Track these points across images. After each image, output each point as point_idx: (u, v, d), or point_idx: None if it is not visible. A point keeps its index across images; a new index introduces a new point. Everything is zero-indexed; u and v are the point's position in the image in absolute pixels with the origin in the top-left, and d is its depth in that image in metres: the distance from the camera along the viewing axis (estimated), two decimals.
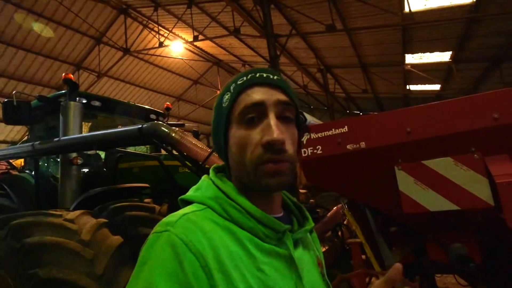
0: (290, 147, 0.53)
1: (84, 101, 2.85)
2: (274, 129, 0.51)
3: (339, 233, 2.55)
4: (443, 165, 1.56)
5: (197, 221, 0.49)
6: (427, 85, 11.96)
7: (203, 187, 0.57)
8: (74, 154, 2.59)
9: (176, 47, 10.81)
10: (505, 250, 1.69)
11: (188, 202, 0.56)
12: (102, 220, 1.85)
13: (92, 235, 1.65)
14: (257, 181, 0.52)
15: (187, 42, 10.49)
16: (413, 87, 12.44)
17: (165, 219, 0.50)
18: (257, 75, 0.55)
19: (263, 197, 0.57)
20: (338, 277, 1.70)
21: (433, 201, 1.55)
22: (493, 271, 1.79)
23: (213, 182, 0.57)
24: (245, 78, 0.55)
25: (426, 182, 1.58)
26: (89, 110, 2.99)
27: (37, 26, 8.52)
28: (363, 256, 2.02)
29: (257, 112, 0.53)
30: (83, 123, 2.82)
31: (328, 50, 10.42)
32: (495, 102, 1.47)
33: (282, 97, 0.55)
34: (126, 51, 10.29)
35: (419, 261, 1.88)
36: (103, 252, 1.62)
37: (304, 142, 1.83)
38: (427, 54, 9.38)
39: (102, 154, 3.30)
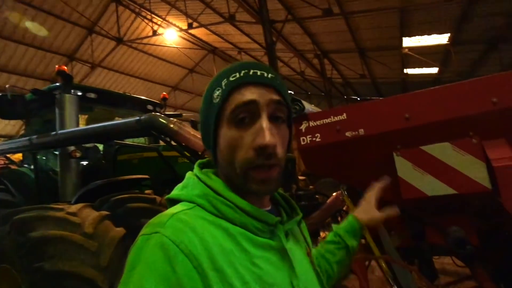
0: (280, 150, 0.53)
1: (79, 94, 2.83)
2: (267, 133, 0.50)
3: (339, 219, 2.59)
4: (441, 150, 1.57)
5: (188, 220, 0.47)
6: (424, 69, 11.87)
7: (190, 185, 0.55)
8: (72, 148, 2.58)
9: (170, 35, 10.61)
10: (501, 232, 1.73)
11: (175, 201, 0.54)
12: (104, 212, 1.87)
13: (95, 228, 1.67)
14: (246, 185, 0.52)
15: (181, 30, 10.29)
16: (410, 71, 12.36)
17: (153, 220, 0.49)
18: (251, 72, 0.53)
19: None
20: None
21: (431, 186, 1.57)
22: (489, 253, 1.83)
23: (200, 179, 0.55)
24: (237, 74, 0.52)
25: (425, 168, 1.60)
26: (85, 102, 2.96)
27: (32, 26, 8.34)
28: (362, 241, 2.06)
29: (249, 112, 0.51)
30: (79, 115, 2.80)
31: (324, 35, 10.27)
32: (494, 86, 1.47)
33: (275, 96, 0.53)
34: (119, 40, 10.09)
35: (417, 245, 1.92)
36: (107, 244, 1.64)
37: (303, 130, 1.84)
38: (425, 37, 9.27)
39: (101, 147, 3.30)
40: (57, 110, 2.61)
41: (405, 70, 12.21)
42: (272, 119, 0.53)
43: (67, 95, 2.63)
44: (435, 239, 1.74)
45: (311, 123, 1.82)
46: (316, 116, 1.82)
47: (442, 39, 9.23)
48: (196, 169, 0.58)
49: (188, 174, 0.58)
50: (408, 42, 9.64)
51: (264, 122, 0.51)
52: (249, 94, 0.51)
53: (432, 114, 1.56)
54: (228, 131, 0.52)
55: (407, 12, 8.00)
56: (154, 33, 9.86)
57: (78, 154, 2.57)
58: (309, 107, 1.98)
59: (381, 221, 0.80)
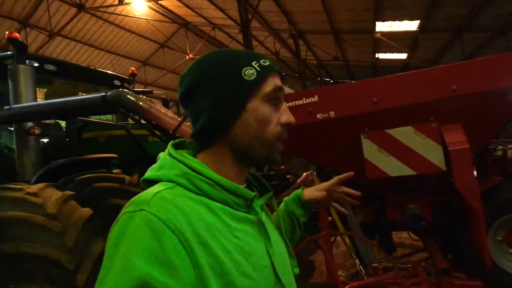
0: None
1: (36, 65, 2.59)
2: (290, 113, 0.61)
3: None
4: (404, 134, 1.67)
5: (171, 198, 0.49)
6: (395, 54, 12.26)
7: (167, 165, 0.56)
8: (30, 124, 2.40)
9: (139, 5, 9.89)
10: (452, 209, 1.91)
11: (152, 182, 0.55)
12: (69, 192, 1.78)
13: (58, 208, 1.59)
14: (270, 154, 0.60)
15: (150, 0, 9.63)
16: (381, 56, 12.71)
17: (136, 198, 0.50)
18: (272, 64, 0.61)
19: (242, 170, 0.62)
20: (307, 239, 1.84)
21: (394, 167, 1.68)
22: (439, 227, 2.02)
23: (177, 159, 0.56)
24: (266, 61, 0.60)
25: (389, 150, 1.69)
26: (43, 74, 2.72)
27: None
28: (329, 218, 2.18)
29: (278, 95, 0.60)
30: (37, 89, 2.58)
31: (300, 14, 10.16)
32: (454, 74, 1.56)
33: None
34: (80, 7, 9.25)
35: (378, 221, 2.07)
36: (72, 225, 1.58)
37: None
38: (397, 22, 9.50)
39: (63, 123, 3.09)
40: (10, 82, 2.38)
41: (377, 55, 12.53)
42: None
43: (21, 66, 2.40)
44: (395, 215, 1.89)
45: None
46: (289, 98, 1.84)
47: (412, 25, 9.52)
48: (171, 149, 0.59)
49: (162, 155, 0.59)
50: (381, 26, 9.84)
51: (285, 105, 0.62)
52: (279, 81, 0.61)
53: (398, 99, 1.64)
54: (262, 107, 0.58)
55: None
56: (121, 1, 9.14)
57: (37, 131, 2.39)
58: None
59: (318, 200, 0.87)
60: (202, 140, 0.60)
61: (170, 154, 0.58)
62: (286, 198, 0.92)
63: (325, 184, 0.90)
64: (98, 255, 1.56)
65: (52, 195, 1.67)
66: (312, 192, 0.89)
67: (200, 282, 0.45)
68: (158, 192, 0.50)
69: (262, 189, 0.69)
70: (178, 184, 0.53)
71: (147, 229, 0.44)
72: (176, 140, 0.64)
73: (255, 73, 0.57)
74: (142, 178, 0.57)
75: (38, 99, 2.59)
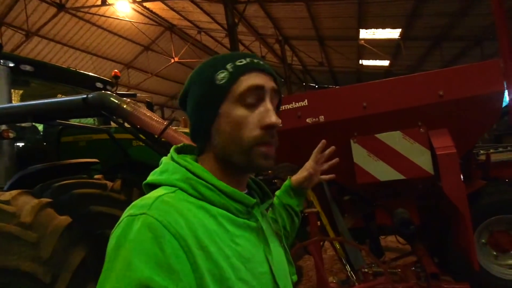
0: (276, 133, 0.59)
1: (11, 65, 2.45)
2: (273, 113, 0.56)
3: None
4: (393, 138, 1.68)
5: (172, 202, 0.49)
6: (377, 61, 12.62)
7: (170, 170, 0.56)
8: (3, 127, 2.26)
9: (123, 6, 9.70)
10: (439, 213, 1.93)
11: (153, 186, 0.55)
12: (46, 199, 1.68)
13: (34, 217, 1.49)
14: (251, 160, 0.55)
15: (134, 1, 9.46)
16: (365, 62, 13.05)
17: (138, 202, 0.50)
18: (255, 60, 0.58)
19: (236, 176, 0.59)
20: (297, 245, 1.81)
21: (383, 172, 1.68)
22: (427, 231, 2.04)
23: (179, 164, 0.56)
24: (244, 60, 0.57)
25: (378, 154, 1.70)
26: (19, 75, 2.58)
27: None
28: (318, 223, 2.16)
29: (257, 95, 0.56)
30: (12, 90, 2.44)
31: (286, 20, 10.28)
32: (441, 80, 1.59)
33: (275, 85, 0.59)
34: (60, 7, 8.96)
35: (367, 225, 2.07)
36: (50, 234, 1.48)
37: None
38: (380, 30, 9.78)
39: (40, 127, 2.95)
40: None
41: (360, 61, 12.84)
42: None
43: None
44: (383, 220, 1.89)
45: None
46: None
47: (395, 33, 9.84)
48: (173, 154, 0.59)
49: (165, 159, 0.59)
50: (364, 34, 10.11)
51: (269, 105, 0.57)
52: (258, 79, 0.56)
53: (387, 104, 1.65)
54: (234, 110, 0.55)
55: (365, 4, 8.32)
56: (103, 2, 8.93)
57: (11, 135, 2.25)
58: None
59: (306, 179, 0.90)
60: (197, 145, 0.61)
61: (172, 159, 0.58)
62: (277, 193, 0.94)
63: (307, 164, 0.93)
64: (77, 267, 1.47)
65: (27, 203, 1.57)
66: (297, 176, 0.92)
67: (199, 287, 0.45)
68: (159, 196, 0.50)
69: (263, 195, 0.69)
70: (180, 188, 0.53)
71: (148, 233, 0.44)
72: (179, 145, 0.64)
73: (227, 76, 0.56)
74: (144, 182, 0.57)
75: (13, 101, 2.45)
